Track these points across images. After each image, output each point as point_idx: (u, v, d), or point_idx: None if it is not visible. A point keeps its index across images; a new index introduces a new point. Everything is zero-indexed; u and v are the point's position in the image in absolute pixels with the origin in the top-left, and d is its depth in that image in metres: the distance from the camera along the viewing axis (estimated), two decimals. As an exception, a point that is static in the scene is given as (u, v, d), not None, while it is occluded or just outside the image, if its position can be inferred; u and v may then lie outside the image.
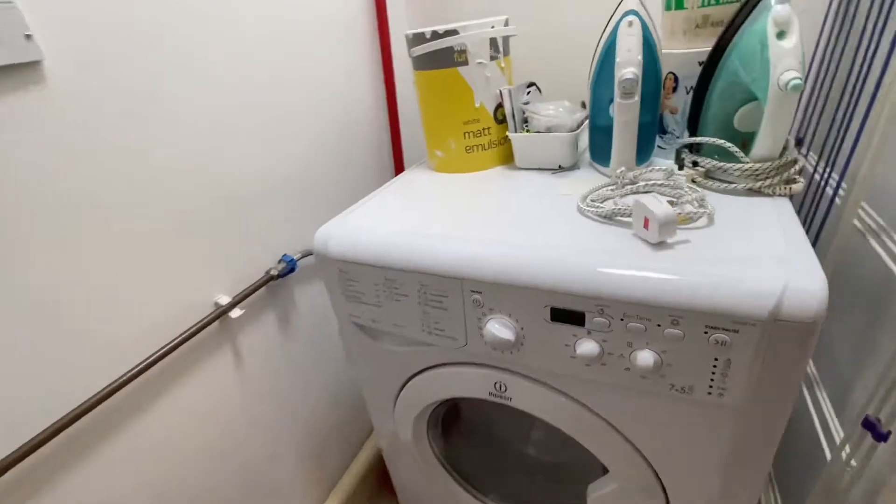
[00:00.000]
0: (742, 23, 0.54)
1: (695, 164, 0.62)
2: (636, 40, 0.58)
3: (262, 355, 0.84)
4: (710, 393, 0.45)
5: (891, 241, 0.51)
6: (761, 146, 0.55)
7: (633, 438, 0.54)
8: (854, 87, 0.60)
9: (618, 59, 0.59)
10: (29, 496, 0.53)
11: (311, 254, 0.88)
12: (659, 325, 0.44)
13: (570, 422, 0.56)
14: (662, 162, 0.70)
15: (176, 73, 0.63)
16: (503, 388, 0.59)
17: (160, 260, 0.64)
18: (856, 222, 0.58)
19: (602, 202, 0.59)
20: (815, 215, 0.69)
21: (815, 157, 0.72)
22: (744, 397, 0.44)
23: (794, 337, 0.40)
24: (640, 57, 0.58)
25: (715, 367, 0.44)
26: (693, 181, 0.61)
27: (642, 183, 0.60)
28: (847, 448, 0.56)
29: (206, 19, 0.66)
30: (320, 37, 0.86)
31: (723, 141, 0.57)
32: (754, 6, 0.53)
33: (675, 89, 0.68)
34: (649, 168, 0.68)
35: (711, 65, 0.58)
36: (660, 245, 0.48)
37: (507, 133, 0.76)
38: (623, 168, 0.61)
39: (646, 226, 0.49)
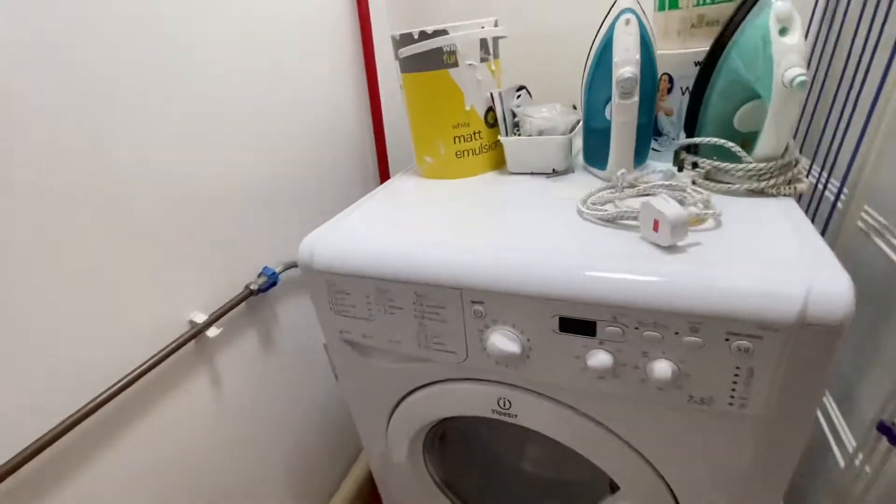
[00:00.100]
0: (742, 20, 0.53)
1: (694, 165, 0.60)
2: (634, 39, 0.57)
3: (243, 376, 0.78)
4: (731, 404, 0.43)
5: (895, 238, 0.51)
6: (764, 145, 0.53)
7: (647, 454, 0.51)
8: (850, 90, 0.60)
9: (615, 59, 0.57)
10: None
11: (294, 265, 0.83)
12: (677, 333, 0.42)
13: (579, 438, 0.53)
14: (657, 165, 0.69)
15: (147, 75, 0.58)
16: (507, 405, 0.55)
17: (127, 276, 0.59)
18: (859, 223, 0.57)
19: (603, 205, 0.57)
20: (814, 217, 0.69)
21: (808, 160, 0.72)
22: (766, 407, 0.42)
23: (819, 341, 0.38)
24: (637, 56, 0.57)
25: (737, 376, 0.41)
26: (693, 183, 0.59)
27: (643, 185, 0.59)
28: (860, 455, 0.54)
29: (177, 18, 0.61)
30: (300, 39, 0.82)
31: (724, 141, 0.55)
32: (754, 3, 0.51)
33: (670, 90, 0.66)
34: (647, 170, 0.66)
35: (710, 64, 0.56)
36: (671, 248, 0.46)
37: (499, 137, 0.74)
38: (623, 170, 0.59)
39: (655, 228, 0.47)
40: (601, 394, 0.49)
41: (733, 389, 0.42)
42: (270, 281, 0.77)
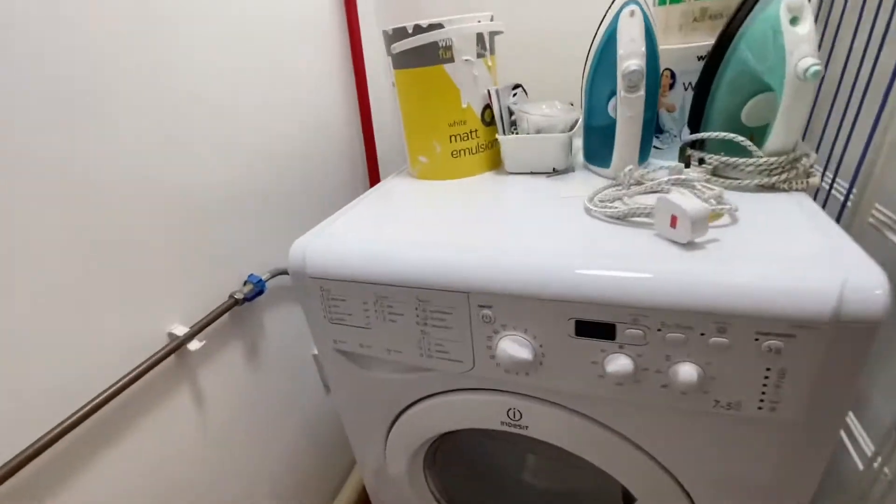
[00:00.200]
0: (750, 11, 0.51)
1: (701, 161, 0.58)
2: (639, 30, 0.55)
3: (228, 391, 0.73)
4: (760, 408, 0.40)
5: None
6: (776, 139, 0.52)
7: (667, 463, 0.48)
8: (854, 84, 0.59)
9: (620, 51, 0.55)
10: None
11: (282, 273, 0.79)
12: (702, 334, 0.39)
13: (594, 449, 0.50)
14: (660, 163, 0.67)
15: (120, 71, 0.54)
16: (518, 416, 0.52)
17: (99, 285, 0.54)
18: (870, 220, 0.56)
19: (611, 202, 0.55)
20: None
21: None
22: (797, 410, 0.40)
23: (854, 339, 0.36)
24: (643, 48, 0.55)
25: (767, 378, 0.39)
26: (695, 181, 0.58)
27: (649, 182, 0.56)
28: (879, 458, 0.53)
29: (155, 17, 0.57)
30: (285, 38, 0.78)
31: (734, 135, 0.54)
32: (762, -7, 0.50)
33: (672, 86, 0.65)
34: (651, 168, 0.64)
35: (716, 57, 0.55)
36: (690, 245, 0.44)
37: (497, 135, 0.71)
38: (631, 167, 0.57)
39: (673, 224, 0.44)
40: (619, 401, 0.46)
41: (763, 392, 0.40)
42: (257, 289, 0.73)
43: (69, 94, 0.49)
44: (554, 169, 0.69)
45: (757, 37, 0.51)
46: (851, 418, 0.59)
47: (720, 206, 0.48)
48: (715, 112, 0.57)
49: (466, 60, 0.66)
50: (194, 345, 0.64)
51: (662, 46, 0.63)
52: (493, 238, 0.51)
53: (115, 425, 0.57)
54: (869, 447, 0.55)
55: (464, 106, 0.69)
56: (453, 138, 0.70)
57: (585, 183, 0.64)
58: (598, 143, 0.65)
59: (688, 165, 0.60)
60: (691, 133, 0.61)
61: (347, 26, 0.90)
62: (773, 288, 0.37)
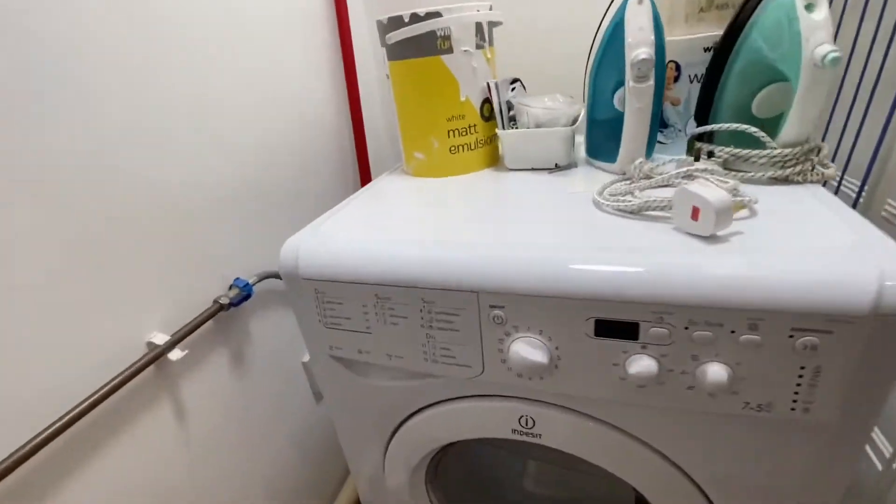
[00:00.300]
0: (761, -2, 0.50)
1: (710, 154, 0.57)
2: (647, 19, 0.53)
3: (212, 403, 0.68)
4: (793, 409, 0.38)
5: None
6: (790, 129, 0.50)
7: (690, 470, 0.45)
8: (861, 78, 0.58)
9: (629, 40, 0.53)
10: None
11: (271, 276, 0.74)
12: (733, 332, 0.37)
13: (613, 457, 0.47)
14: (665, 158, 0.65)
15: (100, 64, 0.49)
16: (530, 424, 0.49)
17: (72, 291, 0.49)
18: (883, 214, 0.55)
19: (623, 196, 0.52)
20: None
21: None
22: (832, 411, 0.37)
23: (892, 333, 0.34)
24: (652, 36, 0.53)
25: (801, 376, 0.37)
26: (708, 171, 0.56)
27: (659, 176, 0.54)
28: (899, 455, 0.51)
29: (135, 7, 0.53)
30: (271, 32, 0.74)
31: (747, 126, 0.52)
32: (775, -21, 0.49)
33: (677, 79, 0.63)
34: (659, 162, 0.62)
35: (726, 46, 0.53)
36: (712, 238, 0.41)
37: (497, 130, 0.68)
38: (641, 159, 0.55)
39: (694, 216, 0.42)
40: (641, 405, 0.43)
41: (796, 392, 0.37)
42: (243, 294, 0.68)
43: (40, 86, 0.45)
44: (556, 165, 0.67)
45: (770, 24, 0.49)
46: (865, 417, 0.58)
47: (741, 198, 0.46)
48: (724, 103, 0.56)
49: (465, 51, 0.64)
50: (176, 354, 0.59)
51: (667, 38, 0.61)
52: (501, 235, 0.48)
53: (88, 444, 0.52)
54: (887, 448, 0.54)
55: (462, 99, 0.66)
56: (452, 133, 0.67)
57: (590, 179, 0.62)
58: (603, 138, 0.63)
59: (697, 159, 0.58)
60: (698, 126, 0.59)
61: (336, 20, 0.87)
62: (811, 281, 0.35)
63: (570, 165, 0.68)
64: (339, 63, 0.89)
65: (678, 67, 0.63)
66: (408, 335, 0.49)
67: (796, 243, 0.39)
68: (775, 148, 0.51)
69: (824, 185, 0.65)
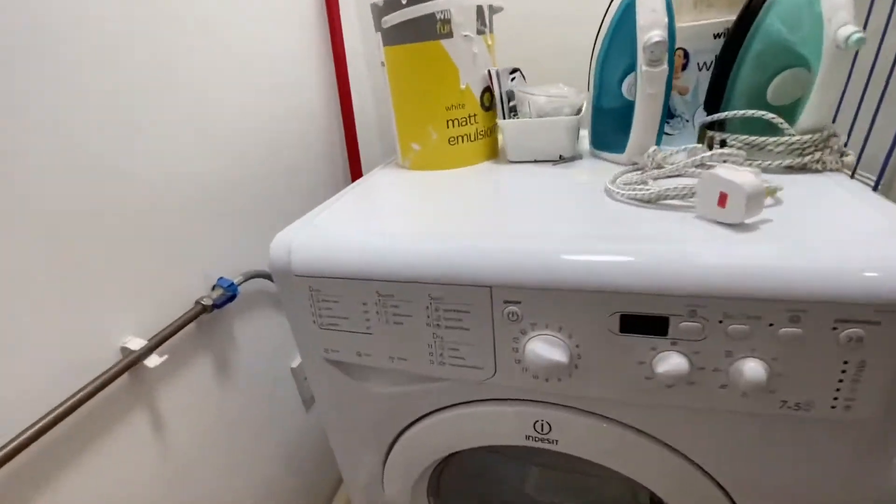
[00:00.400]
0: (778, -21, 0.48)
1: (723, 143, 0.54)
2: (660, 0, 0.51)
3: (194, 413, 0.63)
4: (833, 406, 0.35)
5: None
6: (810, 115, 0.48)
7: (718, 475, 0.43)
8: (873, 65, 0.56)
9: (641, 22, 0.51)
10: None
11: (258, 276, 0.69)
12: (771, 325, 0.34)
13: (636, 463, 0.44)
14: (673, 149, 0.63)
15: (79, 49, 0.44)
16: (546, 429, 0.45)
17: (39, 293, 0.44)
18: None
19: (639, 185, 0.49)
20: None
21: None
22: (874, 408, 0.35)
23: (943, 324, 0.32)
24: (666, 18, 0.50)
25: (844, 371, 0.34)
26: (724, 162, 0.54)
27: (672, 165, 0.52)
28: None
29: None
30: (256, 17, 0.70)
31: (764, 112, 0.50)
32: (793, -41, 0.47)
33: (685, 67, 0.61)
34: (670, 151, 0.60)
35: (740, 31, 0.51)
36: (741, 227, 0.39)
37: (498, 120, 0.65)
38: (654, 147, 0.52)
39: (721, 203, 0.39)
40: (669, 406, 0.40)
41: (837, 389, 0.35)
42: (227, 294, 0.63)
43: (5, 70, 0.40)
44: (560, 156, 0.64)
45: (789, 6, 0.47)
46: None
47: (769, 184, 0.44)
48: (737, 91, 0.54)
49: (466, 36, 0.60)
50: (153, 360, 0.54)
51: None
52: (514, 226, 0.45)
53: (54, 461, 0.46)
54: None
55: (462, 87, 0.63)
56: (451, 123, 0.64)
57: (596, 170, 0.59)
58: (610, 128, 0.61)
59: (710, 148, 0.56)
60: (708, 115, 0.57)
61: (325, 7, 0.83)
62: (857, 269, 0.32)
63: (575, 157, 0.65)
64: (329, 56, 0.85)
65: (686, 55, 0.60)
66: (412, 335, 0.45)
67: (831, 231, 0.37)
68: (793, 135, 0.49)
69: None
